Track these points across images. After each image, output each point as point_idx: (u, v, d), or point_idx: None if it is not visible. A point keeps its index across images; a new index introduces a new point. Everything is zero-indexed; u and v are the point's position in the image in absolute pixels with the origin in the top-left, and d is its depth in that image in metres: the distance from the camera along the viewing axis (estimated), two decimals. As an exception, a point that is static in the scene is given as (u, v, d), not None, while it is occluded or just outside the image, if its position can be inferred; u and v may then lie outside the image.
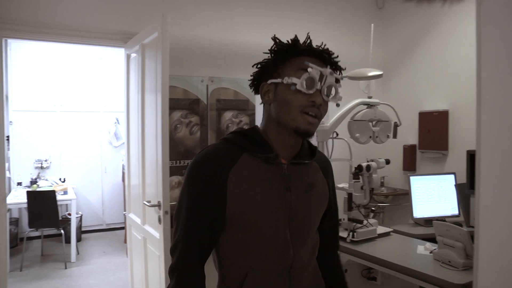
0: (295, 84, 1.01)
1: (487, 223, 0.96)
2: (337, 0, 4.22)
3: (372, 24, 2.89)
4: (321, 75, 1.04)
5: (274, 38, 1.11)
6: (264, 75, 1.11)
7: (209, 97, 3.33)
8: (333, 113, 2.70)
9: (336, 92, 1.09)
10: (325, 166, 1.22)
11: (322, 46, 1.11)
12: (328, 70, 1.05)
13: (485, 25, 0.93)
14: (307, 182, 1.12)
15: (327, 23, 4.06)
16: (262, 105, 1.14)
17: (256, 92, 1.15)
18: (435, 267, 2.11)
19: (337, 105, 1.15)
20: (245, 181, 1.03)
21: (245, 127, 3.35)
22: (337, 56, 1.12)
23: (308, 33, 1.12)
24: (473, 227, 2.58)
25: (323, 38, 1.09)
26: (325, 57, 1.08)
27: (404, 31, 4.27)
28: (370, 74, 2.56)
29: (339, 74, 1.10)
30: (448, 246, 2.14)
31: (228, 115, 3.39)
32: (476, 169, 0.98)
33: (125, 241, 4.78)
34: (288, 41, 1.09)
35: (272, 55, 1.11)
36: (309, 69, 1.02)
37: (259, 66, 1.14)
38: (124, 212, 3.91)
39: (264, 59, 1.13)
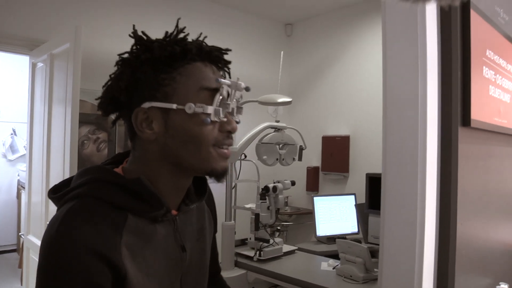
0: (209, 115, 0.72)
1: (390, 239, 1.04)
2: (247, 25, 4.38)
3: (282, 52, 3.03)
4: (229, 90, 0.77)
5: (145, 38, 0.77)
6: (135, 93, 0.74)
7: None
8: (241, 136, 2.75)
9: (241, 106, 0.83)
10: (208, 195, 0.92)
11: (203, 39, 0.82)
12: (238, 82, 0.78)
13: (390, 59, 1.02)
14: (196, 228, 0.86)
15: (237, 47, 4.18)
16: (130, 137, 0.79)
17: (114, 116, 0.80)
18: (338, 281, 2.22)
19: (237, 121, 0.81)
20: (138, 257, 0.70)
21: (103, 145, 3.26)
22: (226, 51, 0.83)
23: (178, 20, 0.82)
24: (370, 243, 2.78)
25: (234, 61, 0.86)
26: (219, 59, 0.81)
27: (311, 58, 4.55)
28: (280, 100, 2.68)
29: (238, 80, 0.80)
30: (349, 262, 2.27)
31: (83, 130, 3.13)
32: (381, 193, 1.05)
33: (20, 266, 4.33)
34: (168, 37, 0.78)
35: (144, 61, 0.74)
36: (221, 88, 0.75)
37: (121, 77, 0.76)
38: (20, 233, 3.56)
39: (126, 67, 0.76)
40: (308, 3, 3.61)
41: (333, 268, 2.41)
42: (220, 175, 0.76)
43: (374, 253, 2.36)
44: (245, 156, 2.82)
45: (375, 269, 2.13)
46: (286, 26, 4.77)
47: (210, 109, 0.71)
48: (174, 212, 0.78)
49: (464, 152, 1.05)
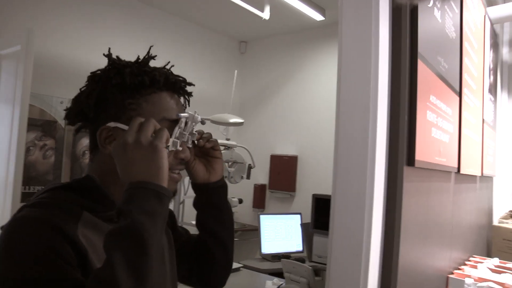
0: (167, 146, 0.79)
1: (337, 259, 1.09)
2: (203, 39, 4.40)
3: (236, 71, 3.08)
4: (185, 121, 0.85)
5: (117, 62, 0.84)
6: (102, 111, 0.82)
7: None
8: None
9: (193, 134, 0.91)
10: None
11: (169, 68, 0.90)
12: (195, 115, 0.86)
13: (344, 98, 1.09)
14: None
15: (191, 60, 4.19)
16: (91, 148, 0.87)
17: (78, 127, 0.88)
18: (284, 302, 2.27)
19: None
20: (95, 249, 0.74)
21: (50, 152, 3.16)
22: (188, 82, 0.92)
23: (150, 48, 0.89)
24: (314, 262, 2.86)
25: (186, 76, 0.91)
26: (183, 90, 0.89)
27: (263, 77, 4.65)
28: (232, 120, 2.72)
29: (195, 113, 0.87)
30: (294, 282, 2.33)
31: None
32: (331, 212, 1.11)
33: None
34: (138, 63, 0.85)
35: (114, 84, 0.81)
36: (180, 121, 0.83)
37: (91, 94, 0.83)
38: None
39: (97, 86, 0.83)
40: (264, 22, 3.71)
41: (278, 287, 2.46)
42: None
43: (317, 272, 2.44)
44: (194, 173, 2.83)
45: (319, 289, 2.20)
46: (240, 44, 4.84)
47: (169, 141, 0.80)
48: None
49: (408, 189, 1.14)
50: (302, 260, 2.85)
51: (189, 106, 0.92)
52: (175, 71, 0.90)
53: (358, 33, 1.08)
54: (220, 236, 1.04)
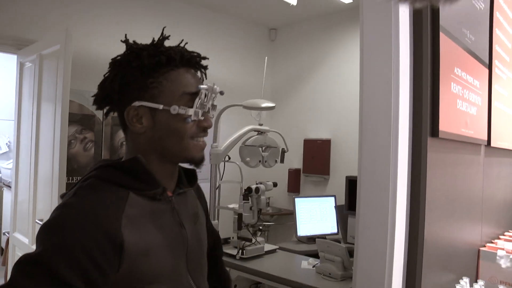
0: (190, 116, 0.86)
1: (364, 238, 1.14)
2: (232, 28, 4.46)
3: (266, 57, 3.12)
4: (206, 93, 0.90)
5: (135, 47, 0.89)
6: (127, 93, 0.88)
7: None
8: (226, 138, 2.84)
9: (215, 105, 0.95)
10: (197, 189, 1.08)
11: (184, 45, 0.95)
12: (215, 87, 0.91)
13: (367, 74, 1.13)
14: (191, 212, 0.98)
15: (222, 50, 4.26)
16: (123, 129, 0.92)
17: (107, 110, 0.93)
18: (317, 279, 2.32)
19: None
20: (140, 229, 0.81)
21: (89, 144, 3.33)
22: (204, 57, 0.96)
23: (163, 29, 0.96)
24: (349, 243, 2.90)
25: (218, 66, 0.92)
26: (198, 64, 0.94)
27: (294, 63, 4.66)
28: (264, 105, 2.77)
29: (214, 85, 0.93)
30: (328, 261, 2.38)
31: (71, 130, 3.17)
32: (357, 195, 1.16)
33: (3, 264, 4.30)
34: (155, 45, 0.90)
35: (134, 66, 0.87)
36: (200, 92, 0.88)
37: (114, 79, 0.89)
38: (4, 231, 3.56)
39: (118, 70, 0.89)
40: (292, 9, 3.72)
41: (313, 267, 2.52)
42: (198, 162, 0.91)
43: (352, 253, 2.47)
44: (229, 158, 2.91)
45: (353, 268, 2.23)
46: (270, 31, 4.87)
47: (191, 111, 0.86)
48: (169, 193, 0.91)
49: (433, 160, 1.16)
50: (337, 241, 2.89)
51: (206, 78, 0.97)
52: (208, 62, 0.95)
53: (379, 10, 1.11)
54: None
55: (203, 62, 0.96)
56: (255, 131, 2.92)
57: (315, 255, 2.63)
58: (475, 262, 1.59)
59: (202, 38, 4.06)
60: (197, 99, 0.88)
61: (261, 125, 2.98)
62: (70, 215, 0.75)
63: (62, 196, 0.84)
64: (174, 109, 0.85)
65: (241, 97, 3.04)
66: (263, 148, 2.91)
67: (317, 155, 4.24)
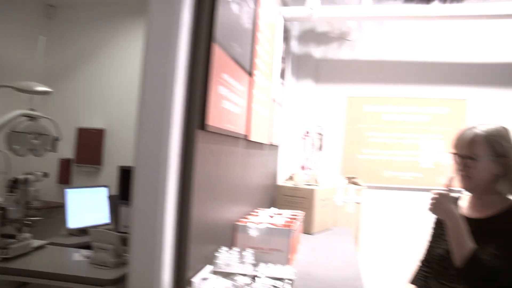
0: None
1: (139, 221, 1.26)
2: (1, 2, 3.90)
3: (42, 37, 2.88)
4: None
5: None
6: None
7: None
8: (-10, 124, 2.52)
9: None
10: None
11: None
12: None
13: (148, 63, 1.25)
14: None
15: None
16: None
17: None
18: (91, 269, 2.32)
19: None
20: None
21: None
22: None
23: None
24: (121, 232, 2.97)
25: None
26: None
27: (72, 47, 4.38)
28: (38, 89, 2.58)
29: None
30: (102, 250, 2.40)
31: None
32: (133, 182, 1.26)
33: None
34: None
35: None
36: None
37: None
38: None
39: None
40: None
41: (87, 258, 2.49)
42: None
43: (124, 242, 2.54)
44: (-6, 145, 2.59)
45: (126, 254, 2.33)
46: (47, 7, 4.44)
47: None
48: None
49: (201, 150, 1.38)
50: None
51: None
52: None
53: (164, 15, 1.24)
54: None
55: None
56: (25, 116, 2.69)
57: (87, 247, 2.60)
58: (233, 234, 1.92)
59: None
60: None
61: (32, 110, 2.76)
62: None
63: None
64: None
65: (11, 76, 2.73)
66: (34, 135, 2.71)
67: (90, 145, 4.13)
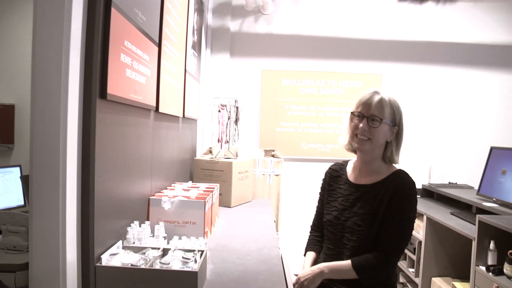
0: None
1: (38, 201, 1.19)
2: None
3: None
4: None
5: None
6: None
7: None
8: None
9: None
10: None
11: None
12: None
13: (40, 32, 1.16)
14: None
15: None
16: None
17: None
18: (1, 255, 2.18)
19: None
20: None
21: None
22: None
23: None
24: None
25: None
26: None
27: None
28: None
29: None
30: (12, 233, 2.26)
31: None
32: (30, 158, 1.19)
33: None
34: None
35: None
36: None
37: None
38: None
39: None
40: None
41: (-6, 244, 2.33)
42: None
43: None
44: None
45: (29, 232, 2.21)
46: None
47: None
48: None
49: (102, 119, 1.33)
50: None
51: None
52: None
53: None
54: None
55: None
56: None
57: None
58: (147, 209, 1.89)
59: None
60: None
61: None
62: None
63: None
64: None
65: None
66: None
67: (0, 122, 3.81)
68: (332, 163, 1.92)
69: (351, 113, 1.68)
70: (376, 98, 1.62)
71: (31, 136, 1.18)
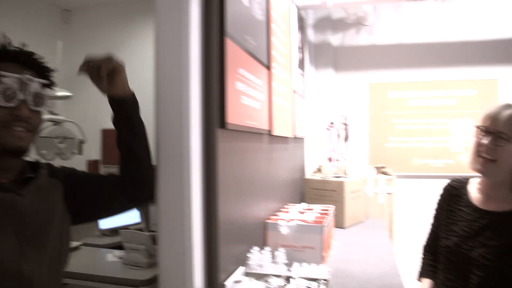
0: None
1: (166, 225, 1.23)
2: (17, 6, 3.96)
3: (60, 42, 2.91)
4: (22, 83, 0.96)
5: None
6: None
7: None
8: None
9: (42, 98, 1.02)
10: (53, 171, 1.17)
11: (21, 47, 1.02)
12: (27, 76, 0.97)
13: (161, 64, 1.22)
14: (44, 198, 1.07)
15: (6, 29, 3.75)
16: None
17: None
18: (124, 270, 2.35)
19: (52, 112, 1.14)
20: None
21: None
22: (41, 57, 1.05)
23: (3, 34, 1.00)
24: (153, 231, 2.99)
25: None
26: (24, 60, 1.00)
27: (91, 50, 4.40)
28: (59, 94, 2.60)
29: (47, 77, 1.05)
30: (134, 250, 2.42)
31: None
32: (158, 185, 1.24)
33: None
34: None
35: None
36: (3, 79, 0.92)
37: None
38: None
39: None
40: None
41: (120, 258, 2.52)
42: (14, 152, 0.96)
43: (155, 241, 2.57)
44: (24, 152, 2.64)
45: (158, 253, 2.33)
46: (63, 12, 4.50)
47: None
48: (4, 180, 0.97)
49: (223, 148, 1.34)
50: (140, 231, 2.94)
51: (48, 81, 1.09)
52: None
53: (171, 13, 1.20)
54: (133, 148, 1.21)
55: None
56: (50, 121, 2.73)
57: (120, 247, 2.63)
58: (263, 232, 1.88)
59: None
60: None
61: (55, 114, 2.80)
62: None
63: None
64: None
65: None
66: (59, 139, 2.74)
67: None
68: (451, 179, 1.66)
69: (476, 127, 1.45)
70: (507, 112, 1.36)
71: (157, 164, 1.23)
